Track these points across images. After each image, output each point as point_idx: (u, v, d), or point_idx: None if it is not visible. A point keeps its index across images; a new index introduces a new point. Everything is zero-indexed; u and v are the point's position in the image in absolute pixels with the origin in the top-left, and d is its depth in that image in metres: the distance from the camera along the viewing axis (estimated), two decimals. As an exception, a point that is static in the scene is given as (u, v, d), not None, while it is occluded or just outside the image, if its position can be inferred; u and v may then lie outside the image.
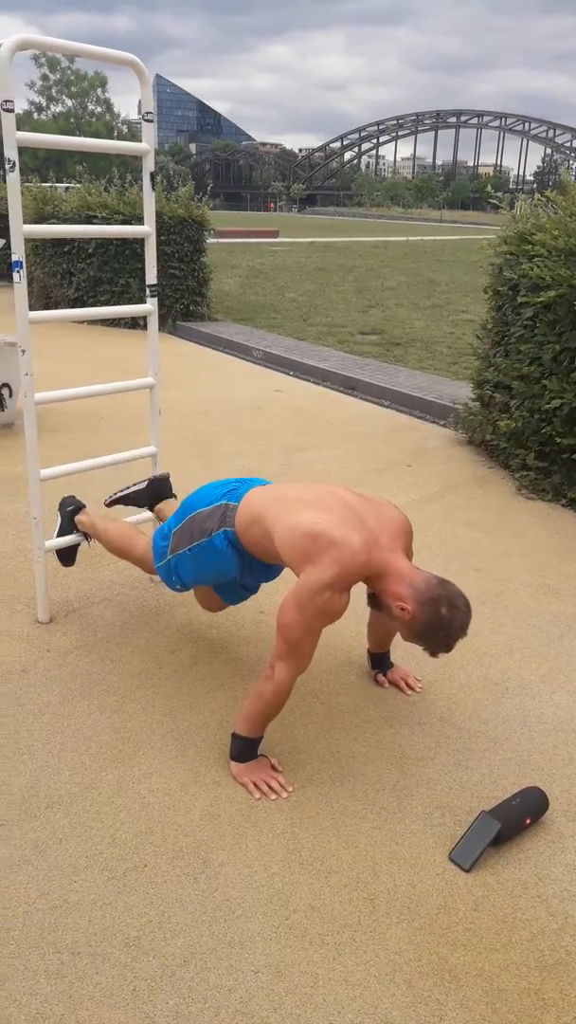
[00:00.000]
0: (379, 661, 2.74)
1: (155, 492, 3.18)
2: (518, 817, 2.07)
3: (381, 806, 2.17)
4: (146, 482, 3.15)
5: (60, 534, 3.03)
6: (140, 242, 9.39)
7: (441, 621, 2.06)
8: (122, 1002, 1.60)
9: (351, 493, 2.31)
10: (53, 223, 9.77)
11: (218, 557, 2.40)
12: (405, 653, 2.80)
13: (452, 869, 1.97)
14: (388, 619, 2.21)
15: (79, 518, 3.02)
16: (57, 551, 3.04)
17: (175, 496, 3.21)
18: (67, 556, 3.11)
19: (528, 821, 2.09)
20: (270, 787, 2.19)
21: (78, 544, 3.06)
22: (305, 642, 2.12)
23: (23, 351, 2.66)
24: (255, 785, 2.19)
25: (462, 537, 3.95)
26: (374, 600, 2.23)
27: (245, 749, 2.24)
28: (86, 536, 3.03)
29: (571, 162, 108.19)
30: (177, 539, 2.51)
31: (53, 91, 75.74)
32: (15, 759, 2.28)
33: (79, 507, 3.06)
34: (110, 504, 3.18)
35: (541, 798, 2.14)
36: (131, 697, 2.58)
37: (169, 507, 3.16)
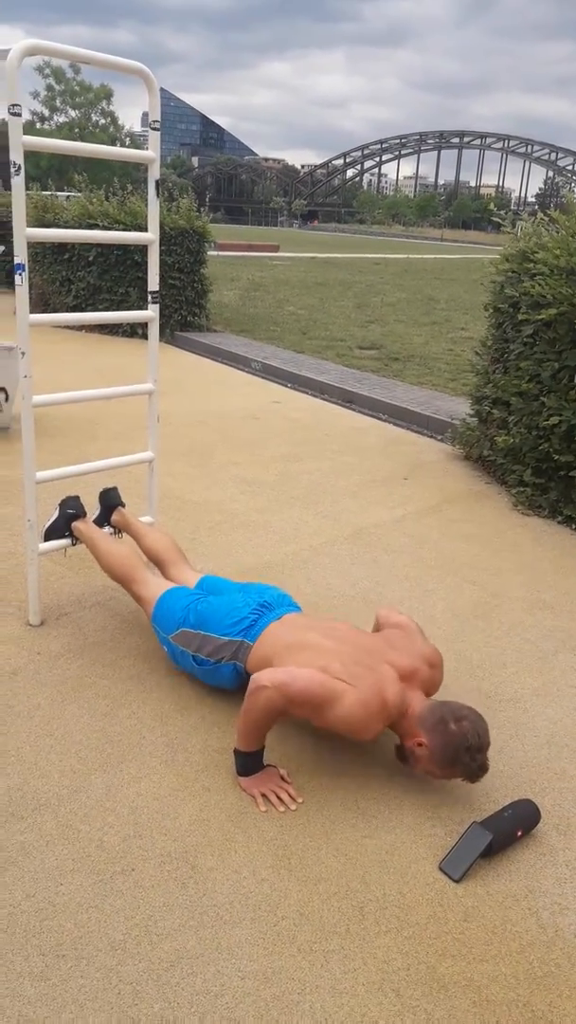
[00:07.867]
0: None
1: (106, 505, 3.19)
2: (510, 829, 2.06)
3: (371, 815, 2.15)
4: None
5: (51, 527, 3.01)
6: (140, 251, 9.43)
7: (455, 737, 2.09)
8: (107, 1005, 1.58)
9: (364, 635, 2.41)
10: (55, 231, 9.79)
11: (221, 679, 2.54)
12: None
13: (442, 879, 1.95)
14: (415, 765, 2.22)
15: (77, 525, 3.00)
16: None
17: (124, 504, 3.21)
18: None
19: (520, 833, 2.08)
20: (279, 798, 2.17)
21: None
22: (295, 705, 2.14)
23: (23, 353, 2.66)
24: (263, 796, 2.17)
25: (458, 551, 3.95)
26: (400, 751, 2.26)
27: (245, 762, 2.22)
28: (74, 541, 3.02)
29: (573, 185, 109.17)
30: (184, 638, 2.57)
31: (57, 102, 75.89)
32: (2, 761, 2.26)
33: (80, 514, 3.03)
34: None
35: (533, 811, 2.13)
36: (122, 701, 2.56)
37: (123, 517, 3.15)
